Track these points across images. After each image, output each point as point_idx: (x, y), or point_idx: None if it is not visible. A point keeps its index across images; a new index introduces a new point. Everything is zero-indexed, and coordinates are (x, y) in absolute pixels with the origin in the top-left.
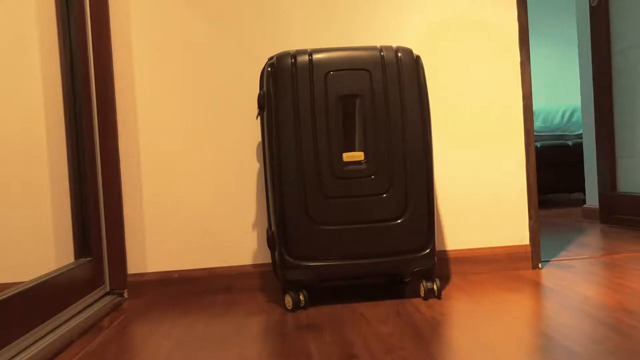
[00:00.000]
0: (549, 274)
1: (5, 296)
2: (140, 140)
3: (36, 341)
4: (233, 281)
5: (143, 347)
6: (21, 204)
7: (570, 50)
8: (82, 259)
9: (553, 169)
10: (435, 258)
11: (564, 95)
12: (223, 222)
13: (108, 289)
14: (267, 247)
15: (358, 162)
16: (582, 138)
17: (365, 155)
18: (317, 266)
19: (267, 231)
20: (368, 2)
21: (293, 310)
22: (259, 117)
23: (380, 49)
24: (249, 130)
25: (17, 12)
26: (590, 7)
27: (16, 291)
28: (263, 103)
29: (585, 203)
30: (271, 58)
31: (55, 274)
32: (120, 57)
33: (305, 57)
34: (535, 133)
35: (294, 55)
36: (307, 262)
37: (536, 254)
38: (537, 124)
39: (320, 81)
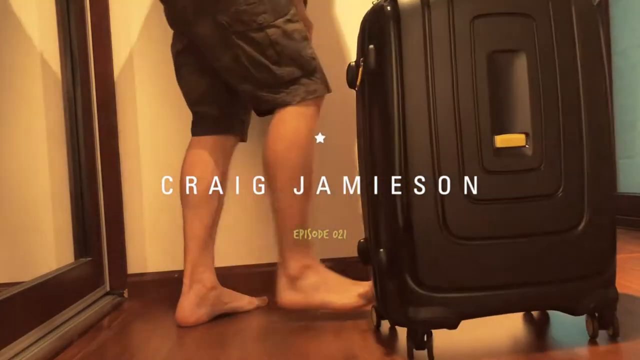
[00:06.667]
0: None
1: (5, 296)
2: (140, 140)
3: (36, 341)
4: (233, 281)
5: (143, 347)
6: (21, 204)
7: None
8: (82, 259)
9: None
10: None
11: None
12: (223, 222)
13: (108, 289)
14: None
15: (518, 149)
16: None
17: (528, 138)
18: (456, 299)
19: (361, 244)
20: None
21: None
22: (357, 87)
23: None
24: (249, 129)
25: (17, 11)
26: None
27: (16, 291)
28: (372, 65)
29: None
30: None
31: (55, 274)
32: (120, 57)
33: None
34: None
35: None
36: (443, 293)
37: None
38: None
39: (463, 30)
